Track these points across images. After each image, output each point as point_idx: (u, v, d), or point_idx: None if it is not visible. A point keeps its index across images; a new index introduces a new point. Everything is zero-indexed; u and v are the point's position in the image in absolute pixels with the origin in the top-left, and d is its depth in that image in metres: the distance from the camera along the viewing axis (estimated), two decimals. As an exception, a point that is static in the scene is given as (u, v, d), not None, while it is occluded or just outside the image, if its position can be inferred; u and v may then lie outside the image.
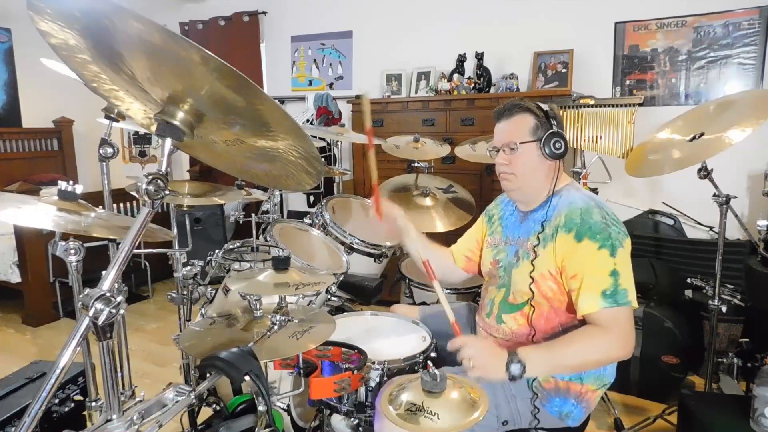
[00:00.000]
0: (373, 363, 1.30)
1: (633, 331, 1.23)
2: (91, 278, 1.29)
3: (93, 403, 1.64)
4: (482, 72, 3.49)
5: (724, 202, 1.83)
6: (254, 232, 2.22)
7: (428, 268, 1.34)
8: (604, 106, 2.29)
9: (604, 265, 1.23)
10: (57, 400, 1.84)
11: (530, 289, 1.33)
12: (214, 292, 1.98)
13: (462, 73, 3.56)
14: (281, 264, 1.32)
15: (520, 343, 1.36)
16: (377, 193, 1.49)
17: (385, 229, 1.56)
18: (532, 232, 1.37)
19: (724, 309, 1.93)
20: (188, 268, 1.91)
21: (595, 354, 1.22)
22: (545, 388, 1.31)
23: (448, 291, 2.13)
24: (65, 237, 1.43)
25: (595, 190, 2.40)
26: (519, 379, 1.19)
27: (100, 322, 0.78)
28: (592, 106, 2.31)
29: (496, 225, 1.56)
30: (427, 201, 2.49)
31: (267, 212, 2.36)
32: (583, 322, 1.27)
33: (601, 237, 1.24)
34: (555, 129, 1.34)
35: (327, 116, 4.00)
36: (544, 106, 1.38)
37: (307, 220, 2.24)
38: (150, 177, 0.84)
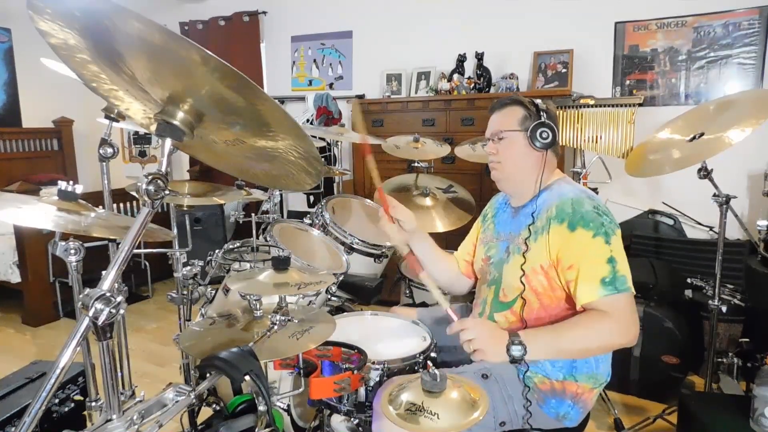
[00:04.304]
0: (373, 363, 1.30)
1: (636, 317, 1.22)
2: (91, 278, 1.29)
3: (93, 403, 1.64)
4: (482, 72, 3.49)
5: (724, 202, 1.83)
6: (254, 232, 2.22)
7: (413, 262, 1.42)
8: (604, 106, 2.29)
9: (600, 253, 1.22)
10: (57, 400, 1.84)
11: (521, 282, 1.32)
12: (214, 292, 1.98)
13: (462, 73, 3.56)
14: (281, 264, 1.32)
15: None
16: (383, 196, 1.47)
17: (390, 231, 1.48)
18: (523, 225, 1.37)
19: (724, 309, 1.93)
20: (188, 268, 1.91)
21: (598, 339, 1.22)
22: (541, 389, 1.30)
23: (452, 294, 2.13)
24: (65, 237, 1.43)
25: (595, 190, 2.40)
26: (520, 361, 1.18)
27: (100, 322, 0.78)
28: (592, 106, 2.31)
29: (489, 222, 1.56)
30: (427, 201, 2.49)
31: (267, 212, 2.36)
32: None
33: (594, 225, 1.24)
34: (543, 119, 1.35)
35: (327, 116, 4.00)
36: (537, 100, 1.40)
37: (307, 220, 2.24)
38: (150, 177, 0.84)
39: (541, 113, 1.36)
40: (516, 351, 1.17)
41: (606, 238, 1.23)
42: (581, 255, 1.24)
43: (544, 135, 1.34)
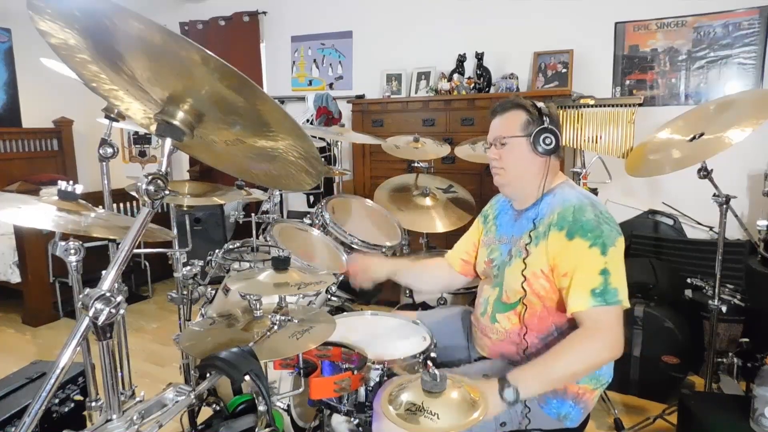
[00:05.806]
0: (373, 363, 1.30)
1: (621, 330, 1.22)
2: (91, 278, 1.29)
3: (93, 403, 1.64)
4: (482, 72, 3.49)
5: (724, 202, 1.83)
6: (254, 232, 2.22)
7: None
8: (604, 106, 2.29)
9: (594, 264, 1.22)
10: (57, 400, 1.84)
11: (522, 287, 1.32)
12: (214, 292, 1.98)
13: (462, 73, 3.56)
14: (281, 264, 1.32)
15: (514, 342, 1.37)
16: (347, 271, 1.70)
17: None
18: (525, 230, 1.37)
19: (724, 309, 1.93)
20: (188, 268, 1.91)
21: (584, 362, 1.22)
22: (543, 390, 1.30)
23: (451, 292, 2.13)
24: (65, 237, 1.43)
25: (595, 190, 2.40)
26: (516, 403, 1.17)
27: (100, 322, 0.78)
28: (592, 106, 2.31)
29: (490, 224, 1.56)
30: (427, 201, 2.49)
31: (267, 212, 2.35)
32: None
33: (593, 235, 1.23)
34: (546, 125, 1.34)
35: (327, 116, 4.00)
36: (539, 104, 1.39)
37: (307, 220, 2.24)
38: (150, 177, 0.84)
39: (544, 117, 1.35)
40: (509, 395, 1.16)
41: (603, 249, 1.22)
42: (575, 264, 1.24)
43: (548, 141, 1.33)
